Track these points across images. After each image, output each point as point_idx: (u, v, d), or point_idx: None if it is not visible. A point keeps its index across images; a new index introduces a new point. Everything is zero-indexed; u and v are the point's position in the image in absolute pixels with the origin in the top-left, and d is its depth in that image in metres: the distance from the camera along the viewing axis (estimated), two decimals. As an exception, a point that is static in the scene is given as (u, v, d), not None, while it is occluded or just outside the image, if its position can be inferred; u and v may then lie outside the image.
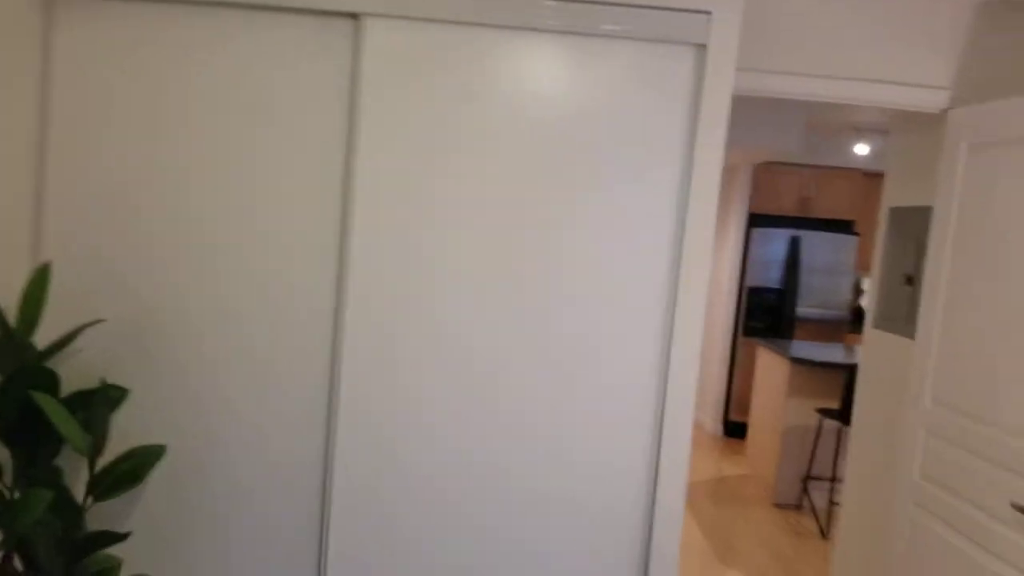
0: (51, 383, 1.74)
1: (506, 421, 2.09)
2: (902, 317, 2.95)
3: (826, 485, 4.70)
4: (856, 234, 6.18)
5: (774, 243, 6.14)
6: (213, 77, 1.99)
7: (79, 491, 1.94)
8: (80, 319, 2.01)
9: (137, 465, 1.91)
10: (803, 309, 6.19)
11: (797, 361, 4.63)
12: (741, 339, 6.23)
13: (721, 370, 6.36)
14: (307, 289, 2.05)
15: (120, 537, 1.80)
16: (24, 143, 1.96)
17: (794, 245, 6.13)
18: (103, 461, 1.90)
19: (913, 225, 2.95)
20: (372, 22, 1.97)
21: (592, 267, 2.08)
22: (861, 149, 5.89)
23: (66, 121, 1.97)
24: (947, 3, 2.57)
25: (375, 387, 2.05)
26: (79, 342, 2.01)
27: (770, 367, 5.06)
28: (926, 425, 2.47)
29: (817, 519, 4.50)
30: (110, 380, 2.03)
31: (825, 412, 4.31)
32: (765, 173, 6.26)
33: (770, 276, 6.16)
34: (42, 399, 1.65)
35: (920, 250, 2.87)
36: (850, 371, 4.15)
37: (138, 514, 2.07)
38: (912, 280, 2.92)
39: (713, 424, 6.40)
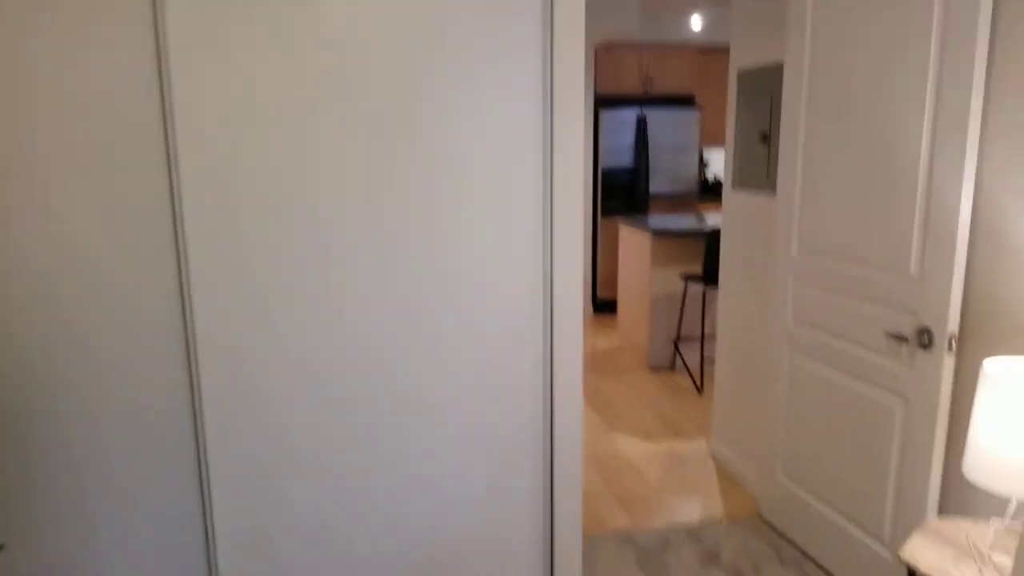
0: None
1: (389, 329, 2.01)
2: (761, 175, 3.10)
3: (696, 345, 5.03)
4: (698, 108, 6.41)
5: (622, 124, 6.26)
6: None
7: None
8: None
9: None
10: (655, 187, 6.43)
11: (658, 233, 4.82)
12: (601, 220, 6.41)
13: (585, 251, 6.55)
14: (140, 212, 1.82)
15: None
16: None
17: (641, 124, 6.27)
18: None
19: (763, 84, 3.06)
20: None
21: (461, 170, 1.98)
22: (696, 23, 6.02)
23: None
24: None
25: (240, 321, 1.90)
26: None
27: (633, 242, 5.25)
28: (795, 272, 2.65)
29: (691, 376, 4.84)
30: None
31: (689, 277, 4.55)
32: (606, 54, 6.29)
33: (621, 158, 6.31)
34: None
35: (774, 108, 2.99)
36: (708, 236, 4.38)
37: None
38: (767, 138, 3.05)
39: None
